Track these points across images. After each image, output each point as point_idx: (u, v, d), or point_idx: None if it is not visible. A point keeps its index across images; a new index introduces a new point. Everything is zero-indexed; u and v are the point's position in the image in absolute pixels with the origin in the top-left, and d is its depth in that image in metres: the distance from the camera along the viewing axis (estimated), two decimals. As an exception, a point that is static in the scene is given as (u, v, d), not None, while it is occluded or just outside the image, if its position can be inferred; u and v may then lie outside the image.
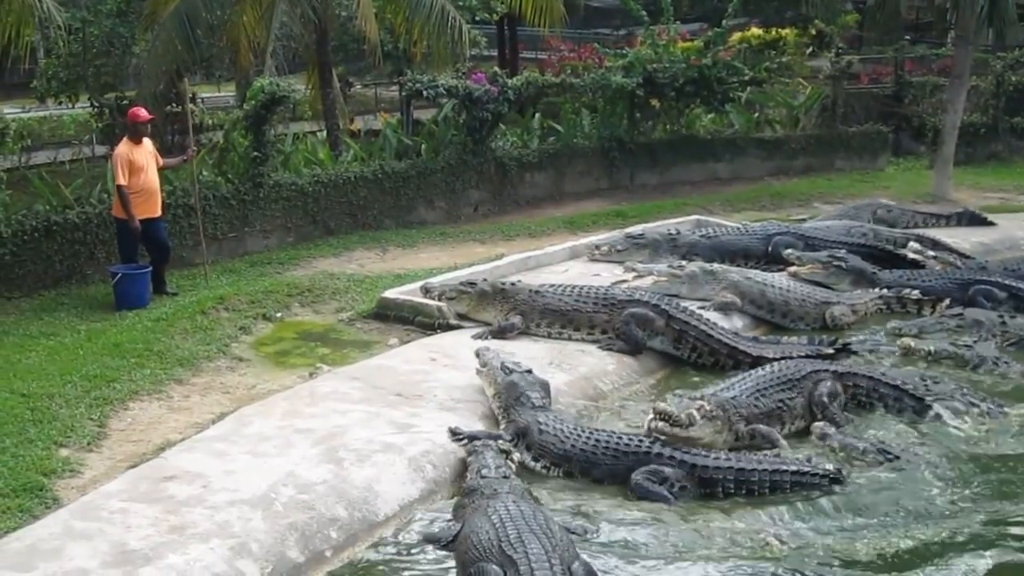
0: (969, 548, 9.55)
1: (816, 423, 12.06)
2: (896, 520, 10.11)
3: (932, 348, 14.50)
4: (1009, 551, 9.53)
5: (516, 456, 11.02)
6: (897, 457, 11.22)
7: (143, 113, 17.05)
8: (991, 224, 22.31)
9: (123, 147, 16.69)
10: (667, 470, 10.66)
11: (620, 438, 11.11)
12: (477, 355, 12.69)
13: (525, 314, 14.79)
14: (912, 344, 14.58)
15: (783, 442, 11.74)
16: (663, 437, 11.10)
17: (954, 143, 25.94)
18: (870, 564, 9.32)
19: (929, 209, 23.16)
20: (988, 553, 9.45)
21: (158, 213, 17.06)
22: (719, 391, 12.10)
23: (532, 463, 11.20)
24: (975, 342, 14.73)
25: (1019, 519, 10.11)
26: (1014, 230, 21.74)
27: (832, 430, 11.83)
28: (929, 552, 9.48)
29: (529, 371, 12.10)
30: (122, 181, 16.38)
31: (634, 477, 10.65)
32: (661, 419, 11.16)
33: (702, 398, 11.60)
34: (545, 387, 12.04)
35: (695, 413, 11.25)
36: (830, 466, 10.82)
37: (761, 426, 11.85)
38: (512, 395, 11.74)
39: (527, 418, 11.44)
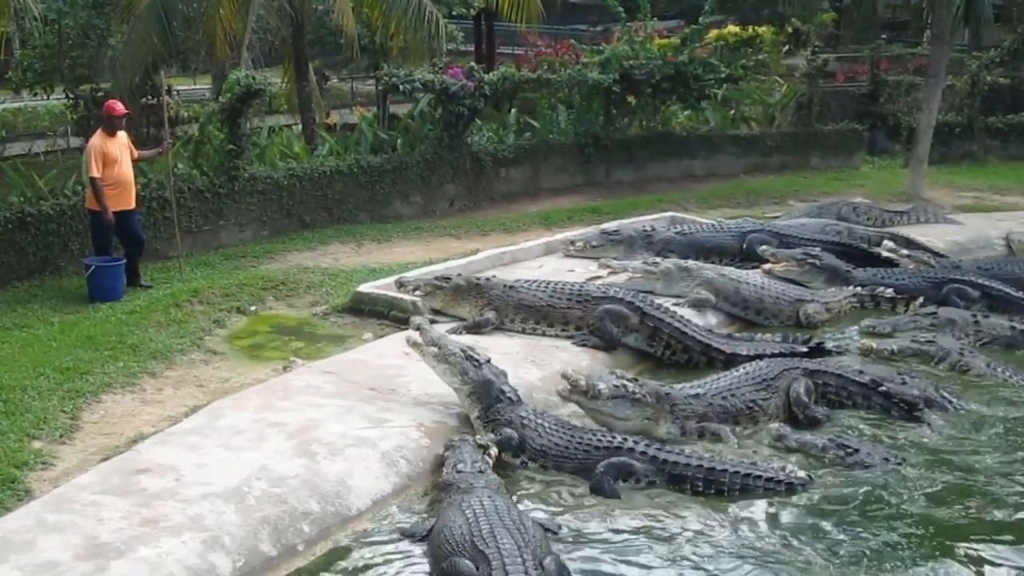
0: (928, 545, 9.65)
1: (771, 424, 12.09)
2: (857, 516, 10.18)
3: (895, 347, 14.58)
4: (966, 546, 9.64)
5: (493, 451, 10.97)
6: (856, 450, 11.28)
7: (119, 107, 16.98)
8: (951, 221, 22.47)
9: (97, 139, 16.65)
10: (637, 464, 10.69)
11: (594, 433, 11.14)
12: (419, 329, 12.20)
13: (499, 309, 14.78)
14: (874, 345, 14.65)
15: (733, 441, 11.77)
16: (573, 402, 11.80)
17: (929, 142, 26.02)
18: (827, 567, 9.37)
19: (891, 207, 23.24)
20: (948, 548, 9.57)
21: (132, 205, 17.02)
22: (686, 388, 12.21)
23: (512, 459, 11.18)
24: (935, 336, 14.82)
25: (976, 516, 10.18)
26: (987, 229, 21.79)
27: (788, 430, 11.88)
28: (890, 551, 9.54)
29: (488, 360, 12.05)
30: (95, 173, 16.34)
31: (599, 468, 10.67)
32: (568, 383, 11.71)
33: (635, 381, 11.83)
34: (506, 375, 12.05)
35: (601, 386, 11.53)
36: (803, 474, 10.80)
37: (712, 424, 11.91)
38: (492, 393, 11.63)
39: (510, 415, 11.42)
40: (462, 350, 11.92)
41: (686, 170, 27.92)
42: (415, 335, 12.12)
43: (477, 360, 11.84)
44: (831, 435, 11.73)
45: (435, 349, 11.93)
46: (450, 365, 11.84)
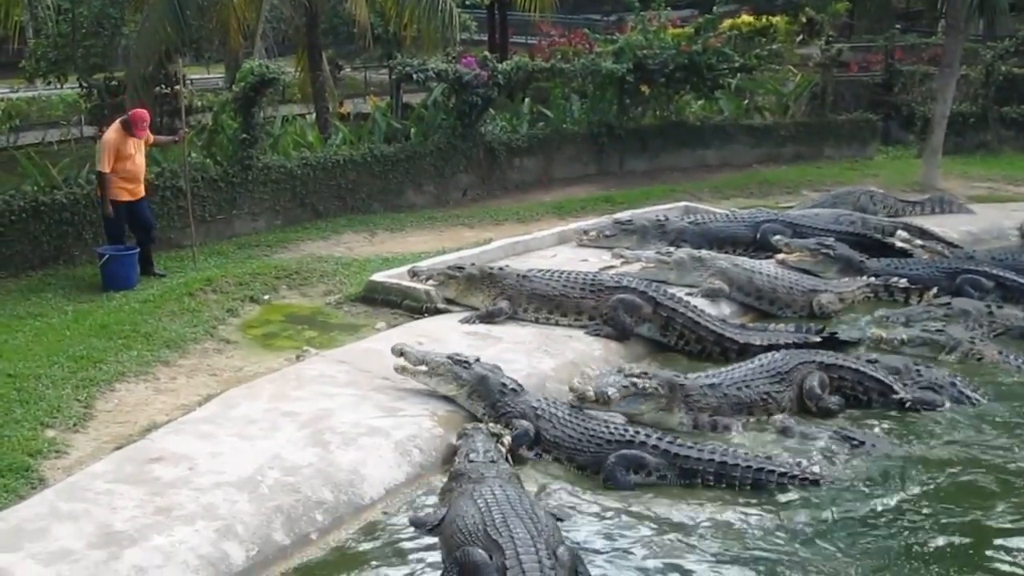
0: (940, 540, 9.60)
1: (775, 416, 12.07)
2: (869, 512, 10.13)
3: (905, 336, 14.50)
4: (969, 540, 9.60)
5: (506, 439, 10.95)
6: (862, 443, 11.25)
7: (145, 124, 16.82)
8: (966, 211, 22.41)
9: (113, 134, 16.63)
10: (649, 457, 10.68)
11: (607, 426, 11.13)
12: (402, 354, 12.08)
13: (513, 299, 14.76)
14: (884, 335, 14.58)
15: (741, 437, 11.74)
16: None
17: (943, 132, 25.89)
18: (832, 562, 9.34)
19: (905, 197, 23.16)
20: (962, 544, 9.54)
21: (142, 194, 17.06)
22: (701, 377, 12.20)
23: (527, 451, 11.16)
24: (945, 326, 14.75)
25: (979, 512, 10.11)
26: (1001, 219, 21.71)
27: (792, 422, 11.86)
28: (903, 548, 9.49)
29: (478, 359, 12.01)
30: (105, 169, 16.38)
31: (610, 459, 10.68)
32: (576, 396, 11.61)
33: (644, 375, 11.82)
34: (500, 369, 12.02)
35: (611, 392, 11.51)
36: (817, 469, 10.76)
37: (723, 419, 11.94)
38: (493, 388, 11.62)
39: (522, 407, 11.40)
40: (448, 357, 11.91)
41: (699, 160, 27.84)
42: (401, 361, 12.07)
43: (466, 361, 11.85)
44: (836, 427, 11.71)
45: (424, 367, 11.93)
46: (442, 376, 11.84)
